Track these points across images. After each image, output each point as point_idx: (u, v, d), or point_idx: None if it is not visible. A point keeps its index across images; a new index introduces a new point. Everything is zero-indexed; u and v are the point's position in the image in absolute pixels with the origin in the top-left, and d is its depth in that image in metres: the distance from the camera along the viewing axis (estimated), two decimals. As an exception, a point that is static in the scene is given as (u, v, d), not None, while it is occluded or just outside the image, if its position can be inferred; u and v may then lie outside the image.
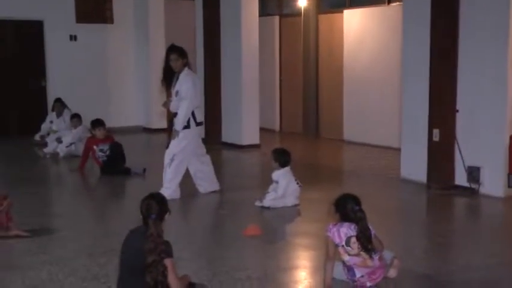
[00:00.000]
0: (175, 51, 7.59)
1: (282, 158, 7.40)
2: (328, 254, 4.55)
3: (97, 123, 9.68)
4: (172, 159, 7.56)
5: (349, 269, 4.52)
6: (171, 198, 7.00)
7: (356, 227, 4.46)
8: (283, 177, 7.29)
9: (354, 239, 4.44)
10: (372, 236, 4.48)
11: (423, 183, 8.33)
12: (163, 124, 13.75)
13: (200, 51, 12.52)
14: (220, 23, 12.01)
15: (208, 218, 7.47)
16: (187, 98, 7.46)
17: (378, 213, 6.80)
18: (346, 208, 4.51)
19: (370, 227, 4.51)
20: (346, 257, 4.50)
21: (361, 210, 4.49)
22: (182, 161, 7.64)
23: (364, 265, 4.47)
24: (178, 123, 7.54)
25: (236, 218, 7.05)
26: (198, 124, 7.67)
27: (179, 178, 7.67)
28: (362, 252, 4.45)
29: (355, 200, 4.56)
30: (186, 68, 7.59)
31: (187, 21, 13.60)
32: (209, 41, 12.32)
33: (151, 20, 13.94)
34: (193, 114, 7.56)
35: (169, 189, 7.49)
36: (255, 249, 5.90)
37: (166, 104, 7.82)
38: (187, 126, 7.54)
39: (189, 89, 7.47)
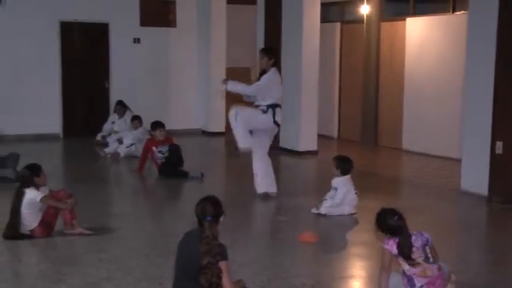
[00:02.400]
0: (262, 49, 8.20)
1: (344, 165, 7.35)
2: (383, 265, 4.50)
3: (157, 124, 9.82)
4: (236, 115, 7.67)
5: (409, 279, 4.47)
6: (245, 147, 7.63)
7: (416, 237, 4.40)
8: (342, 185, 7.25)
9: (413, 249, 4.39)
10: (429, 245, 4.42)
11: (484, 196, 8.14)
12: (222, 127, 13.87)
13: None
14: (282, 28, 12.03)
15: (265, 223, 7.48)
16: (258, 84, 7.77)
17: (436, 225, 6.69)
18: (388, 223, 4.46)
19: (427, 236, 4.44)
20: (405, 267, 4.45)
21: (400, 218, 4.44)
22: (246, 116, 7.73)
23: (424, 275, 4.41)
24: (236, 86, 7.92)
25: (292, 224, 7.04)
26: (275, 123, 7.86)
27: (247, 130, 7.75)
28: (422, 262, 4.40)
29: (392, 211, 4.50)
30: (274, 68, 7.94)
31: (249, 26, 13.68)
32: (270, 44, 12.34)
33: (213, 24, 14.07)
34: (274, 111, 7.76)
35: (244, 142, 7.71)
36: (310, 256, 5.88)
37: (225, 82, 8.03)
38: (265, 111, 7.73)
39: (263, 79, 7.80)
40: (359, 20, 13.21)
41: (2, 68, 12.80)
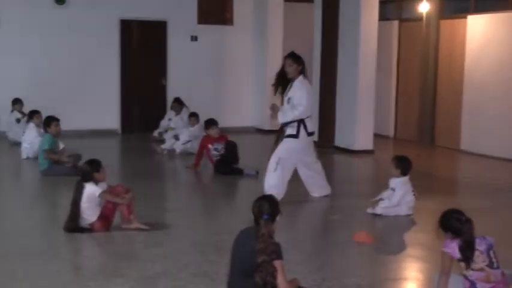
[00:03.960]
0: (291, 56, 7.63)
1: (404, 165, 7.25)
2: (443, 269, 4.41)
3: (210, 122, 9.89)
4: (278, 163, 7.49)
5: (472, 284, 4.37)
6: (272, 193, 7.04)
7: (480, 241, 4.31)
8: (401, 186, 7.15)
9: (477, 253, 4.30)
10: (493, 249, 4.32)
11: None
12: (277, 125, 13.85)
13: (317, 53, 12.52)
14: (339, 25, 11.95)
15: (319, 223, 7.45)
16: (302, 104, 7.40)
17: (496, 228, 6.53)
18: (452, 223, 4.36)
19: (491, 240, 4.34)
20: (468, 272, 4.36)
21: (468, 221, 4.33)
22: (287, 166, 7.56)
23: (487, 280, 4.32)
24: (286, 123, 7.50)
25: (347, 223, 6.99)
26: (309, 134, 7.63)
27: (284, 183, 7.54)
28: (485, 267, 4.30)
29: (458, 212, 4.40)
30: (301, 76, 7.58)
31: (306, 24, 13.62)
32: (326, 43, 12.30)
33: (270, 22, 14.08)
34: (304, 123, 7.51)
35: (275, 191, 7.34)
36: (365, 257, 5.83)
37: (274, 109, 7.68)
38: (296, 136, 7.51)
39: (302, 96, 7.44)
40: (418, 18, 13.01)
41: (64, 64, 13.10)
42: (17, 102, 12.02)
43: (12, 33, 12.73)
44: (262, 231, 4.02)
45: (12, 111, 12.00)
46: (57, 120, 9.39)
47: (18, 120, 11.76)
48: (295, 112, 7.43)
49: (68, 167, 8.97)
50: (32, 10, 12.83)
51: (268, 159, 7.64)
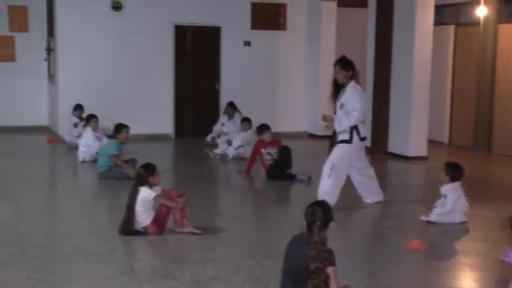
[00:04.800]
0: (338, 63, 7.58)
1: (454, 171, 7.14)
2: (501, 279, 4.30)
3: (263, 128, 9.92)
4: (332, 169, 7.48)
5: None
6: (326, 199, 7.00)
7: None
8: (452, 192, 7.04)
9: None
10: None
11: None
12: (329, 131, 13.80)
13: (370, 59, 12.42)
14: (393, 31, 11.83)
15: (372, 229, 7.39)
16: (356, 110, 7.36)
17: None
18: None
19: None
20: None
21: None
22: (342, 172, 7.55)
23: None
24: (342, 131, 7.49)
25: (400, 230, 6.92)
26: (362, 139, 7.58)
27: (338, 189, 7.52)
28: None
29: None
30: (353, 81, 7.53)
31: (359, 29, 13.55)
32: (380, 48, 12.19)
33: (323, 28, 14.03)
34: (357, 129, 7.45)
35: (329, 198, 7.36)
36: (418, 265, 5.75)
37: (327, 119, 7.73)
38: (349, 141, 7.47)
39: (356, 102, 7.40)
40: (475, 23, 12.77)
41: (119, 69, 13.35)
42: (77, 108, 12.27)
43: (70, 39, 13.04)
44: (315, 238, 4.02)
45: (72, 116, 12.25)
46: (127, 127, 9.54)
47: (75, 125, 12.00)
48: (351, 119, 7.40)
49: (124, 171, 9.10)
50: (90, 17, 13.12)
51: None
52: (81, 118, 11.97)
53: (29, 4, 14.20)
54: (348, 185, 7.77)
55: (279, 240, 5.32)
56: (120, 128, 9.49)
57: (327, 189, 7.43)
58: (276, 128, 11.50)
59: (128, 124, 9.65)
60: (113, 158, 9.21)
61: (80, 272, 5.23)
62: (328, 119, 7.68)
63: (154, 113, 13.61)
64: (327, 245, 4.06)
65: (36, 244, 6.01)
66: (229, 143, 11.56)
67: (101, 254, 5.73)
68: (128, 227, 6.26)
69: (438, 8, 12.01)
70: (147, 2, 13.42)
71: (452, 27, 13.52)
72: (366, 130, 7.85)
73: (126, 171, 9.05)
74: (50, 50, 13.91)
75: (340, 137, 7.54)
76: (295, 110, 14.66)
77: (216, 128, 12.88)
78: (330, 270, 4.00)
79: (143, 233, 6.27)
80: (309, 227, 4.11)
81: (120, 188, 8.15)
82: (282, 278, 4.24)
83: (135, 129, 12.93)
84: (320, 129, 13.69)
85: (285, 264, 4.21)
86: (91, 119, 10.98)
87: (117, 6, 13.22)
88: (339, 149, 7.53)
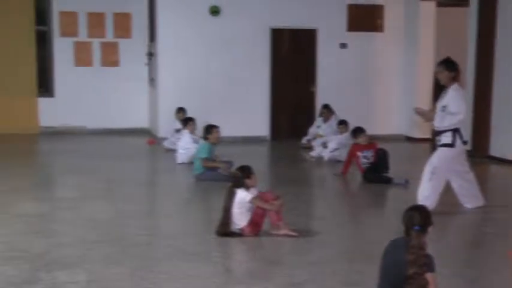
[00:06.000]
0: (442, 63, 7.45)
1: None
2: None
3: (358, 131, 9.83)
4: (433, 173, 7.34)
5: None
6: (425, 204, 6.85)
7: None
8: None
9: None
10: None
11: None
12: (427, 133, 13.50)
13: (471, 59, 12.05)
14: (496, 30, 11.43)
15: (472, 235, 7.16)
16: (461, 112, 7.23)
17: None
18: None
19: None
20: None
21: None
22: (442, 176, 7.39)
23: None
24: (443, 129, 7.35)
25: (502, 237, 6.67)
26: (464, 143, 7.40)
27: (437, 194, 7.36)
28: None
29: None
30: (456, 84, 7.37)
31: (459, 29, 13.18)
32: (482, 48, 11.80)
33: (421, 29, 13.75)
34: (459, 132, 7.29)
35: (429, 203, 7.22)
36: (522, 274, 5.54)
37: (425, 115, 7.64)
38: (451, 145, 7.29)
39: (460, 105, 7.26)
40: None
41: (217, 72, 13.60)
42: (180, 111, 12.57)
43: (170, 44, 13.42)
44: (413, 243, 3.95)
45: (175, 120, 12.50)
46: (217, 127, 9.70)
47: (177, 131, 12.10)
48: (454, 119, 7.24)
49: (221, 173, 9.26)
50: (189, 22, 13.44)
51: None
52: (182, 121, 12.22)
53: (132, 11, 14.72)
54: (448, 190, 7.58)
55: (376, 244, 5.26)
56: (209, 128, 9.64)
57: (427, 193, 7.31)
58: (372, 130, 11.38)
59: (224, 126, 9.79)
60: (203, 162, 9.37)
61: (179, 272, 5.35)
62: (421, 112, 7.63)
63: (250, 115, 13.77)
64: (426, 250, 3.97)
65: (137, 243, 6.21)
66: (324, 145, 11.53)
67: (199, 255, 5.85)
68: (225, 229, 6.36)
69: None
70: (244, 6, 13.60)
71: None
72: (466, 133, 7.64)
73: (221, 171, 9.21)
74: (150, 55, 14.36)
75: (443, 141, 7.37)
76: (392, 113, 14.44)
77: (312, 130, 12.88)
78: (429, 276, 3.92)
79: (239, 234, 6.35)
80: (407, 231, 4.04)
81: (216, 190, 8.29)
82: (379, 283, 4.19)
83: (230, 132, 13.20)
84: (417, 130, 13.44)
85: (383, 269, 4.15)
86: (188, 122, 11.23)
87: (215, 11, 13.47)
88: (441, 153, 7.38)
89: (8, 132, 13.90)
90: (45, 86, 14.73)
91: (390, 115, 14.45)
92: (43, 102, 14.59)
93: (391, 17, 14.24)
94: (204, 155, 9.42)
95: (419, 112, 7.75)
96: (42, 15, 14.53)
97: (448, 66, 7.35)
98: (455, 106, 7.24)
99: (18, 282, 5.02)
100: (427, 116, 7.71)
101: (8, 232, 6.48)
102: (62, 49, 14.52)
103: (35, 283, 5.02)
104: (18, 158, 11.54)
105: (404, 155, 12.47)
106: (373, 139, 10.41)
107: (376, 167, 9.43)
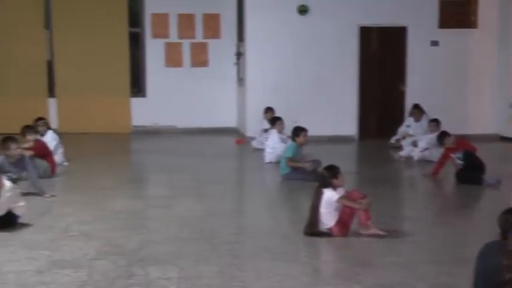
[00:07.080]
0: None
1: None
2: None
3: (444, 135, 9.60)
4: None
5: None
6: None
7: None
8: None
9: None
10: None
11: None
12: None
13: None
14: None
15: None
16: None
17: None
18: None
19: None
20: None
21: None
22: None
23: None
24: None
25: None
26: None
27: None
28: None
29: None
30: None
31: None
32: None
33: (516, 24, 13.29)
34: None
35: None
36: None
37: None
38: None
39: None
40: None
41: (305, 71, 13.59)
42: (268, 110, 12.64)
43: (258, 44, 13.52)
44: (510, 247, 3.82)
45: (263, 120, 12.56)
46: (306, 130, 9.72)
47: (265, 130, 12.17)
48: None
49: (308, 173, 9.24)
50: (277, 21, 13.49)
51: None
52: (270, 120, 12.29)
53: (221, 11, 14.93)
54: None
55: (468, 246, 5.14)
56: (298, 131, 9.67)
57: None
58: (465, 130, 11.11)
59: (312, 126, 9.78)
60: (287, 161, 9.39)
61: (267, 271, 5.38)
62: None
63: (338, 114, 13.69)
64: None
65: (226, 241, 6.29)
66: (414, 144, 11.32)
67: (287, 254, 5.86)
68: (313, 228, 6.35)
69: None
70: (332, 5, 13.53)
71: None
72: None
73: (306, 169, 9.21)
74: (239, 55, 14.53)
75: None
76: (486, 112, 13.99)
77: (401, 129, 12.67)
78: (529, 282, 3.78)
79: (327, 234, 6.33)
80: (503, 234, 3.91)
81: (303, 190, 8.30)
82: (473, 287, 4.07)
83: (318, 131, 13.17)
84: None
85: (477, 273, 4.03)
86: (276, 121, 11.28)
87: (303, 10, 13.47)
88: None
89: (103, 131, 14.40)
90: (137, 86, 15.18)
91: (484, 114, 14.00)
92: (135, 102, 15.04)
93: (486, 13, 13.80)
94: (288, 154, 9.46)
95: None
96: (135, 17, 14.98)
97: None
98: None
99: (113, 277, 5.20)
100: None
101: (105, 228, 6.72)
102: (153, 50, 14.92)
103: (129, 278, 5.18)
104: (113, 156, 11.93)
105: (498, 155, 12.05)
106: (467, 139, 10.11)
107: (470, 167, 9.15)
